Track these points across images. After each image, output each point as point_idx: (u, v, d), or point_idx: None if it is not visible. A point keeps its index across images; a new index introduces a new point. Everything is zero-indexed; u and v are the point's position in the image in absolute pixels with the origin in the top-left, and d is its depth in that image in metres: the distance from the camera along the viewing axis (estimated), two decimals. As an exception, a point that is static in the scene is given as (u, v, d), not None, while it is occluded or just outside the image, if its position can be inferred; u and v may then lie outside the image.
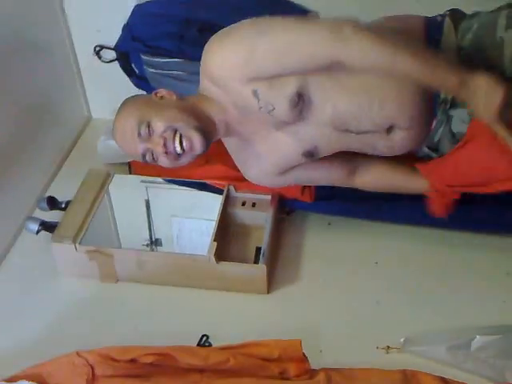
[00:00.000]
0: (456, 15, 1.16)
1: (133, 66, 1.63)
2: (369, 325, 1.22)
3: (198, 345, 1.18)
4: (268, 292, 1.30)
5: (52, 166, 1.65)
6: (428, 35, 1.15)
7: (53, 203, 1.44)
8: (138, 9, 1.58)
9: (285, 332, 1.15)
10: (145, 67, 1.58)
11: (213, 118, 1.15)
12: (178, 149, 1.11)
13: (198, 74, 1.53)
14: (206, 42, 1.45)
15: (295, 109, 1.11)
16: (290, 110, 1.11)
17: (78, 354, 1.12)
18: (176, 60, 1.55)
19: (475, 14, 1.15)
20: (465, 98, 1.05)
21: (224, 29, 1.13)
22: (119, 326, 1.24)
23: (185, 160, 1.15)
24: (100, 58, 1.69)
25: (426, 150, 1.24)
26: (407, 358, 1.14)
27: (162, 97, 1.18)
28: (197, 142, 1.11)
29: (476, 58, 1.10)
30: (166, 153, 1.12)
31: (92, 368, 1.10)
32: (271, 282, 1.31)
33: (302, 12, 1.48)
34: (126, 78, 1.66)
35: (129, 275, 1.34)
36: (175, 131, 1.11)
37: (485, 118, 1.04)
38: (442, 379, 1.07)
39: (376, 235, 1.41)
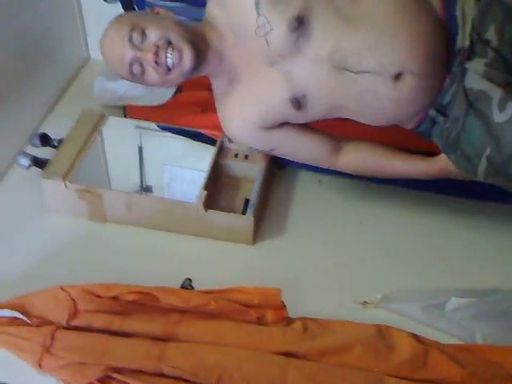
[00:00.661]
0: None
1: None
2: (348, 280, 1.25)
3: (181, 287, 1.20)
4: (253, 243, 1.32)
5: (47, 104, 1.64)
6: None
7: (45, 140, 1.44)
8: None
9: (267, 282, 1.17)
10: (147, 8, 1.55)
11: (207, 41, 1.12)
12: (170, 60, 1.08)
13: (198, 20, 1.50)
14: None
15: (293, 34, 1.05)
16: (288, 35, 1.05)
17: (61, 288, 1.14)
18: (180, 4, 1.53)
19: None
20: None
21: None
22: (105, 265, 1.26)
23: (173, 77, 1.11)
24: (102, -3, 1.66)
25: (433, 112, 1.14)
26: (383, 313, 1.17)
27: (158, 13, 1.15)
28: (187, 56, 1.07)
29: (494, 5, 1.03)
30: (157, 63, 1.08)
31: (74, 302, 1.12)
32: (257, 234, 1.33)
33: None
34: (127, 20, 1.63)
35: (117, 217, 1.35)
36: (169, 42, 1.08)
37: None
38: (415, 336, 1.10)
39: (364, 196, 1.42)
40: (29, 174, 1.39)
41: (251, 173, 1.41)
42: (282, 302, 1.11)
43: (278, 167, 1.49)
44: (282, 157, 1.31)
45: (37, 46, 1.58)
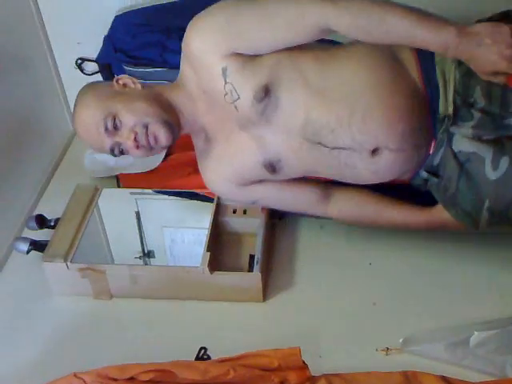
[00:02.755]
0: None
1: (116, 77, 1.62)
2: (367, 327, 1.22)
3: (197, 358, 1.17)
4: (264, 300, 1.29)
5: (39, 184, 1.63)
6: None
7: (42, 222, 1.42)
8: (118, 20, 1.57)
9: (283, 339, 1.14)
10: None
11: (179, 108, 1.13)
12: (153, 143, 1.10)
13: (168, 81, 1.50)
14: None
15: (259, 104, 1.05)
16: (254, 104, 1.05)
17: (75, 375, 1.10)
18: (159, 69, 1.54)
19: None
20: (468, 50, 0.93)
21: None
22: (116, 344, 1.23)
23: (156, 151, 1.14)
24: (82, 70, 1.67)
25: (424, 174, 1.12)
26: (407, 358, 1.14)
27: (124, 84, 1.14)
28: (163, 137, 1.10)
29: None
30: (138, 146, 1.10)
31: (90, 389, 1.08)
32: (266, 290, 1.30)
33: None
34: (109, 91, 1.65)
35: (123, 291, 1.32)
36: (146, 126, 1.09)
37: (500, 65, 0.92)
38: (444, 378, 1.06)
39: (368, 236, 1.40)
40: (29, 259, 1.37)
41: (252, 227, 1.39)
42: (303, 361, 1.08)
43: (277, 218, 1.47)
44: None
45: (22, 127, 1.58)
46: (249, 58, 1.05)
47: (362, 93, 1.04)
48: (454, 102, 1.04)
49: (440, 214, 1.15)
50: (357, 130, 1.04)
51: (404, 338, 1.15)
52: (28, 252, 1.36)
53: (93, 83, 1.20)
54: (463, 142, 1.04)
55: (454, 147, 1.05)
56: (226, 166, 1.18)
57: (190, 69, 1.11)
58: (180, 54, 1.49)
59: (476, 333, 1.12)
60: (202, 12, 1.08)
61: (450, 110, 1.04)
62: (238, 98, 1.06)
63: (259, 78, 1.04)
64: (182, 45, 1.10)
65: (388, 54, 1.07)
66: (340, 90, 1.05)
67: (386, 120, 1.04)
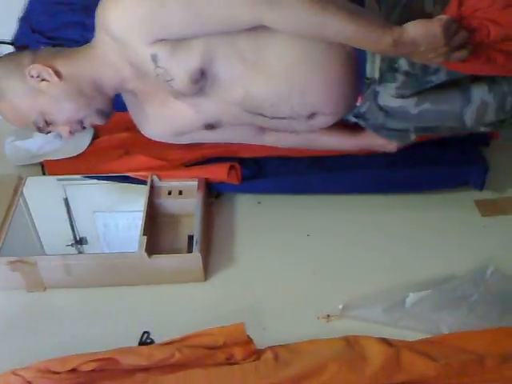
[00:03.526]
0: None
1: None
2: (308, 296, 1.24)
3: (140, 343, 1.15)
4: (205, 279, 1.28)
5: (-44, 176, 1.53)
6: None
7: (-38, 216, 1.34)
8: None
9: (227, 316, 1.14)
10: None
11: (104, 82, 1.10)
12: (89, 127, 1.16)
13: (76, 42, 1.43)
14: None
15: (195, 85, 1.04)
16: (190, 86, 1.04)
17: (13, 372, 1.05)
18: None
19: None
20: (405, 53, 0.99)
21: None
22: (54, 336, 1.18)
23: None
24: (-3, 53, 1.57)
25: (352, 118, 1.22)
26: (348, 323, 1.17)
27: (40, 78, 1.07)
28: (99, 123, 1.15)
29: None
30: (72, 133, 1.14)
31: (31, 385, 1.04)
32: (207, 269, 1.30)
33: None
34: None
35: (57, 282, 1.27)
36: (81, 122, 1.13)
37: (436, 60, 0.99)
38: (383, 340, 1.10)
39: (305, 208, 1.43)
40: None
41: (188, 207, 1.37)
42: (248, 336, 1.08)
43: (214, 196, 1.46)
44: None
45: None
46: (178, 42, 1.00)
47: (298, 66, 1.05)
48: (380, 68, 1.09)
49: (368, 138, 1.27)
50: (296, 102, 1.08)
51: (343, 303, 1.18)
52: (-49, 249, 1.27)
53: (5, 71, 1.10)
54: (388, 98, 1.12)
55: (379, 102, 1.14)
56: (164, 125, 1.19)
57: (111, 40, 1.03)
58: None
59: (411, 294, 1.17)
60: None
61: (377, 74, 1.09)
62: (172, 79, 1.04)
63: (193, 61, 1.01)
64: (98, 13, 1.02)
65: None
66: (277, 64, 1.05)
67: (322, 90, 1.08)
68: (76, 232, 1.48)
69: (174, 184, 1.41)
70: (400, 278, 1.24)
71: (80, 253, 1.42)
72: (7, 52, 1.50)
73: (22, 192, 1.39)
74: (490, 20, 0.98)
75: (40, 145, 1.52)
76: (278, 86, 1.05)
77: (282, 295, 1.25)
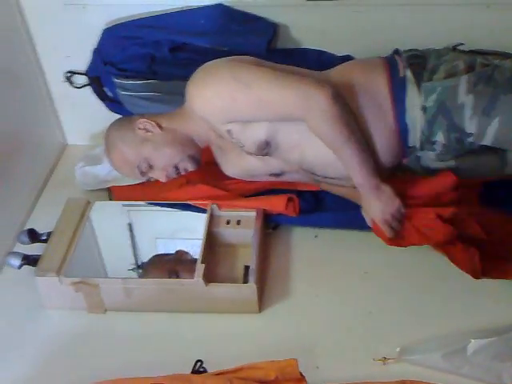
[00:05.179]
0: (415, 68, 1.23)
1: (105, 89, 1.61)
2: (363, 336, 1.21)
3: (193, 371, 1.16)
4: (259, 311, 1.28)
5: (30, 197, 1.62)
6: (394, 96, 1.23)
7: (33, 236, 1.41)
8: (106, 32, 1.57)
9: (279, 351, 1.14)
10: (117, 90, 1.56)
11: (196, 138, 1.36)
12: (183, 173, 1.38)
13: (170, 93, 1.54)
14: (178, 61, 1.48)
15: (262, 151, 1.29)
16: (257, 151, 1.29)
17: (69, 391, 1.09)
18: (148, 81, 1.54)
19: (435, 69, 1.23)
20: (371, 199, 1.24)
21: (208, 66, 1.26)
22: (111, 358, 1.21)
23: None
24: (71, 83, 1.66)
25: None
26: (404, 367, 1.13)
27: (146, 130, 1.34)
28: (191, 168, 1.37)
29: (439, 117, 1.19)
30: (167, 178, 1.38)
31: (85, 405, 1.07)
32: (262, 301, 1.30)
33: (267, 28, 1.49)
34: (100, 103, 1.64)
35: (117, 304, 1.31)
36: (176, 166, 1.35)
37: (376, 217, 1.26)
38: (441, 387, 1.06)
39: (363, 244, 1.40)
40: (21, 274, 1.35)
41: (245, 238, 1.39)
42: (301, 372, 1.07)
43: (271, 228, 1.47)
44: None
45: (13, 141, 1.57)
46: (248, 123, 1.26)
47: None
48: (420, 139, 1.24)
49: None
50: (342, 168, 1.25)
51: (401, 347, 1.15)
52: (20, 267, 1.34)
53: (115, 126, 1.39)
54: (429, 161, 1.27)
55: (422, 163, 1.29)
56: (240, 169, 1.43)
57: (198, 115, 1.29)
58: (169, 67, 1.51)
59: (473, 341, 1.12)
60: (202, 83, 1.24)
61: (418, 144, 1.25)
62: (243, 146, 1.29)
63: (259, 135, 1.26)
64: (189, 91, 1.27)
65: (369, 99, 1.24)
66: None
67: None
68: (138, 257, 1.52)
69: (233, 214, 1.43)
70: (461, 323, 1.19)
71: (140, 278, 1.45)
72: (80, 82, 1.62)
73: (89, 216, 1.45)
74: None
75: (108, 171, 1.59)
76: (326, 154, 1.24)
77: (337, 333, 1.23)
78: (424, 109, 1.20)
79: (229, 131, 1.26)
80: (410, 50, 1.29)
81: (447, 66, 1.22)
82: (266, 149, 1.28)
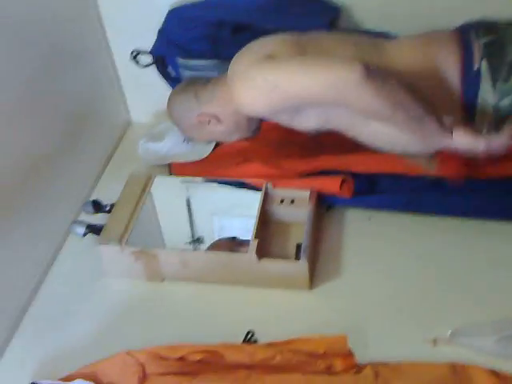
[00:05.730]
0: (492, 61, 1.14)
1: (169, 69, 1.66)
2: (415, 318, 1.21)
3: (244, 341, 1.19)
4: (310, 288, 1.30)
5: (96, 170, 1.70)
6: (464, 89, 1.17)
7: (98, 206, 1.48)
8: (171, 13, 1.61)
9: (329, 327, 1.15)
10: (181, 70, 1.61)
11: (246, 120, 1.41)
12: None
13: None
14: (240, 42, 1.52)
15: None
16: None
17: (128, 353, 1.15)
18: (211, 61, 1.57)
19: None
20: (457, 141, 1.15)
21: (246, 52, 1.31)
22: (167, 325, 1.27)
23: None
24: (137, 62, 1.72)
25: None
26: (455, 350, 1.12)
27: (208, 122, 1.42)
28: (254, 136, 1.46)
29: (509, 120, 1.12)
30: None
31: (143, 367, 1.13)
32: (313, 278, 1.32)
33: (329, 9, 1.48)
34: (164, 82, 1.69)
35: (174, 274, 1.37)
36: None
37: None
38: (493, 372, 1.05)
39: (418, 228, 1.39)
40: (85, 241, 1.43)
41: (299, 217, 1.40)
42: (350, 348, 1.09)
43: (325, 208, 1.48)
44: None
45: (80, 117, 1.64)
46: (295, 112, 1.26)
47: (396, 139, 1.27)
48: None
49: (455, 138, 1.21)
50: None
51: (453, 329, 1.14)
52: (84, 235, 1.41)
53: (178, 107, 1.48)
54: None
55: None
56: None
57: None
58: (231, 48, 1.54)
59: (528, 327, 1.10)
60: (251, 71, 1.25)
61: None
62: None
63: (309, 124, 1.29)
64: (229, 83, 1.31)
65: (435, 85, 1.20)
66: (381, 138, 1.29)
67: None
68: (194, 231, 1.57)
69: (287, 193, 1.45)
70: (518, 309, 1.17)
71: (196, 250, 1.50)
72: (145, 61, 1.68)
73: (150, 189, 1.51)
74: None
75: (169, 147, 1.64)
76: (384, 135, 1.25)
77: (388, 314, 1.23)
78: (496, 109, 1.14)
79: (277, 120, 1.32)
80: (487, 30, 1.19)
81: None
82: (314, 132, 1.32)
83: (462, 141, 1.12)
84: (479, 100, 1.16)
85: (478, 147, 1.12)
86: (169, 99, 1.48)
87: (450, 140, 1.14)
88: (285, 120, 1.30)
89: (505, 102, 1.13)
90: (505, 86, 1.12)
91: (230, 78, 1.31)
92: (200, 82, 1.45)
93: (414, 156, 1.27)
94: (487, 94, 1.15)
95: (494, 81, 1.14)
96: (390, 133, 1.21)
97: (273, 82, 1.20)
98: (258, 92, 1.23)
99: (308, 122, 1.27)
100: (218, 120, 1.40)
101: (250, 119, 1.40)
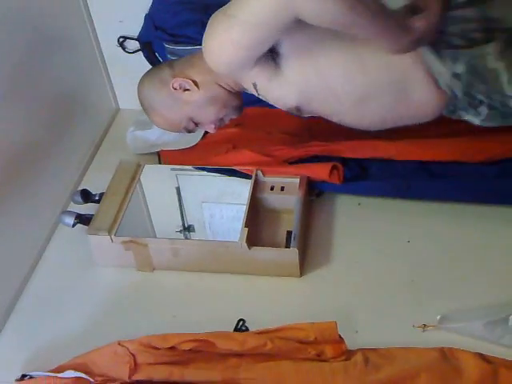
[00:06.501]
0: None
1: (157, 55, 1.64)
2: (404, 304, 1.22)
3: (235, 330, 1.20)
4: (301, 275, 1.31)
5: (84, 159, 1.68)
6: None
7: (87, 196, 1.47)
8: (158, -3, 1.58)
9: (319, 314, 1.16)
10: (168, 56, 1.59)
11: (233, 86, 1.28)
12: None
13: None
14: None
15: (292, 113, 1.25)
16: (288, 112, 1.25)
17: (119, 343, 1.15)
18: (199, 47, 1.55)
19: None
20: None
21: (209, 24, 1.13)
22: (157, 314, 1.27)
23: None
24: (124, 48, 1.70)
25: None
26: (444, 335, 1.14)
27: (184, 90, 1.27)
28: (238, 115, 1.36)
29: (475, 82, 1.10)
30: (215, 128, 1.35)
31: (134, 356, 1.13)
32: (303, 265, 1.32)
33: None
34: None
35: (164, 263, 1.37)
36: (222, 119, 1.33)
37: None
38: (481, 355, 1.06)
39: (406, 213, 1.40)
40: (74, 231, 1.42)
41: (289, 204, 1.40)
42: (340, 335, 1.10)
43: (315, 195, 1.48)
44: None
45: (67, 104, 1.62)
46: (273, 73, 1.16)
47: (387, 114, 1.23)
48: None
49: None
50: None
51: (441, 315, 1.15)
52: (74, 225, 1.41)
53: (150, 86, 1.32)
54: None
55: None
56: None
57: None
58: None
59: (515, 312, 1.11)
60: (208, 29, 1.11)
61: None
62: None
63: (289, 100, 1.20)
64: (204, 50, 1.15)
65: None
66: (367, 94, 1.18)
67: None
68: (185, 219, 1.56)
69: (277, 180, 1.45)
70: (506, 294, 1.18)
71: (187, 239, 1.50)
72: (132, 47, 1.65)
73: (139, 178, 1.50)
74: None
75: (157, 135, 1.63)
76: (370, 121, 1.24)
77: (377, 300, 1.24)
78: (455, 75, 1.09)
79: (254, 84, 1.19)
80: None
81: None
82: (298, 113, 1.24)
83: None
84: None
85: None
86: (138, 84, 1.35)
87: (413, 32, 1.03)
88: (260, 85, 1.18)
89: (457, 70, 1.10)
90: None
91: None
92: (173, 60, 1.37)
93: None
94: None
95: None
96: (364, 81, 1.15)
97: (231, 14, 1.05)
98: (220, 30, 1.08)
99: (287, 98, 1.19)
100: (196, 85, 1.26)
101: (229, 93, 1.28)
